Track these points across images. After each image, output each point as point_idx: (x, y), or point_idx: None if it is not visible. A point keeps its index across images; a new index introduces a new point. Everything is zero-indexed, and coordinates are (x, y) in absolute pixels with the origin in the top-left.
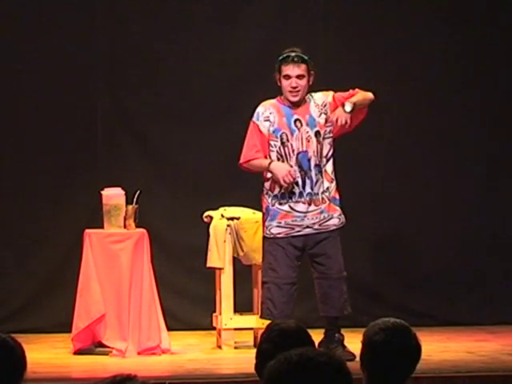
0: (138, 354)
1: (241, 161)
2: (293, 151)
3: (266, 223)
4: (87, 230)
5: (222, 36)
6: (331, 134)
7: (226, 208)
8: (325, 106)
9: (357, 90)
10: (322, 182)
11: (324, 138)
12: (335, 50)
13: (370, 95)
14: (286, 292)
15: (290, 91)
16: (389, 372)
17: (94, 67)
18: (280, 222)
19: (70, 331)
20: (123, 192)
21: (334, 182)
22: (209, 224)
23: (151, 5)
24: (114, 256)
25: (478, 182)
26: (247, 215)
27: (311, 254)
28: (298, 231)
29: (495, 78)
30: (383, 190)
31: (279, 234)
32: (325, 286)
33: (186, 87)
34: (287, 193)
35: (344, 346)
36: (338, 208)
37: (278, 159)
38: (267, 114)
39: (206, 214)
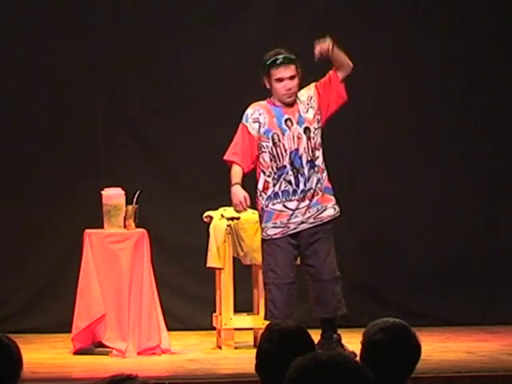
0: (138, 353)
1: (224, 158)
2: (285, 151)
3: (262, 225)
4: (87, 230)
5: (222, 36)
6: (320, 125)
7: (226, 208)
8: (310, 99)
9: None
10: (315, 175)
11: (314, 132)
12: None
13: (348, 60)
14: (285, 292)
15: (285, 94)
16: (388, 372)
17: (93, 67)
18: (275, 223)
19: (70, 331)
20: (123, 192)
21: (325, 172)
22: (209, 224)
23: (151, 5)
24: (114, 256)
25: (478, 181)
26: (247, 215)
27: (303, 255)
28: (295, 228)
29: (495, 77)
30: (383, 190)
31: (275, 234)
32: (317, 288)
33: (186, 87)
34: (280, 192)
35: (342, 346)
36: (331, 197)
37: (271, 160)
38: (256, 116)
39: (206, 214)
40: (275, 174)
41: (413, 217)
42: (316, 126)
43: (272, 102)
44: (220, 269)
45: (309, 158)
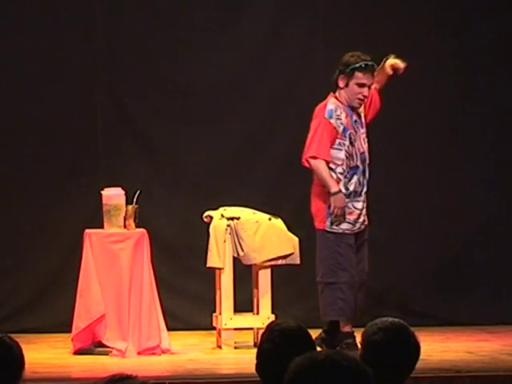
0: (138, 353)
1: (313, 154)
2: (358, 150)
3: (333, 218)
4: (87, 230)
5: (222, 36)
6: None
7: (226, 208)
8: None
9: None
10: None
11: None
12: (335, 49)
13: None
14: (355, 291)
15: (360, 99)
16: (388, 371)
17: (93, 67)
18: (349, 219)
19: (70, 331)
20: (123, 192)
21: None
22: (209, 224)
23: (151, 5)
24: (114, 256)
25: (478, 182)
26: (247, 215)
27: None
28: (359, 228)
29: (496, 78)
30: (384, 190)
31: (347, 229)
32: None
33: (186, 87)
34: (352, 192)
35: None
36: None
37: (347, 158)
38: (339, 113)
39: (206, 213)
40: (348, 172)
41: (413, 217)
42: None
43: (341, 100)
44: (220, 269)
45: (368, 162)
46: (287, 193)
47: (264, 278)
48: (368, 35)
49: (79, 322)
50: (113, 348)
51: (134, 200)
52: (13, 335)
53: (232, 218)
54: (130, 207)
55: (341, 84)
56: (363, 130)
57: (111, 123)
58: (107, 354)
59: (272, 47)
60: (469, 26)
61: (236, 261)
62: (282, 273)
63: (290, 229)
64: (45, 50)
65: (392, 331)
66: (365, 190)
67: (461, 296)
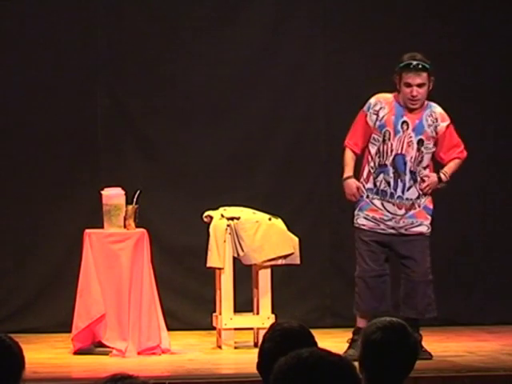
0: (138, 353)
1: (344, 143)
2: (391, 151)
3: (355, 212)
4: (87, 230)
5: (221, 36)
6: (433, 150)
7: (226, 208)
8: (437, 124)
9: (459, 153)
10: (417, 188)
11: (426, 150)
12: (335, 49)
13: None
14: (371, 285)
15: (410, 99)
16: (388, 370)
17: (93, 67)
18: (368, 215)
19: (70, 331)
20: (123, 192)
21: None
22: (209, 224)
23: (151, 5)
24: (114, 256)
25: (477, 181)
26: (247, 215)
27: (398, 254)
28: (383, 230)
29: (496, 77)
30: None
31: (364, 225)
32: (407, 288)
33: (186, 87)
34: (380, 190)
35: (422, 347)
36: (429, 216)
37: (376, 154)
38: (377, 108)
39: (206, 213)
40: (376, 169)
41: None
42: (430, 146)
43: (398, 98)
44: (220, 269)
45: (412, 169)
46: (287, 193)
47: (264, 278)
48: (368, 35)
49: (79, 321)
50: (113, 348)
51: (134, 200)
52: (13, 335)
53: (232, 218)
54: (130, 207)
55: (397, 84)
56: (412, 134)
57: (111, 123)
58: (107, 354)
59: (272, 47)
60: (470, 26)
61: (236, 261)
62: (282, 273)
63: (289, 229)
64: (45, 50)
65: (391, 330)
66: (399, 194)
67: (461, 296)
